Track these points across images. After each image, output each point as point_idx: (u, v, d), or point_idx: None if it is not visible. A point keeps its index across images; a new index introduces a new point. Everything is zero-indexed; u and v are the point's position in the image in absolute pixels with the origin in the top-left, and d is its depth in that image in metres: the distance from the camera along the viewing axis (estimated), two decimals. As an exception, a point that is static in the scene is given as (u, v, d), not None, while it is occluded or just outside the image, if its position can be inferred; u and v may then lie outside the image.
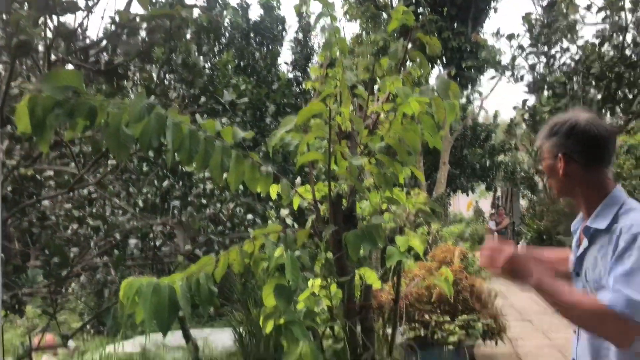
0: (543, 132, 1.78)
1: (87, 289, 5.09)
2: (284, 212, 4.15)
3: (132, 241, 4.96)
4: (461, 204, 26.64)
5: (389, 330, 2.47)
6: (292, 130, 2.96)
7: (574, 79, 11.45)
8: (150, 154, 3.86)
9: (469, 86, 16.65)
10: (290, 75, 11.20)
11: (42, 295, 4.12)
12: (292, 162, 4.97)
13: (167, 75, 4.30)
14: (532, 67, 12.91)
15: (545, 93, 12.87)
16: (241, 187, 2.44)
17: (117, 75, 3.53)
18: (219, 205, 4.26)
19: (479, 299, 4.49)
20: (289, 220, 4.46)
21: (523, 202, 21.23)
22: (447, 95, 2.39)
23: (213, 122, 2.27)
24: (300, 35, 13.41)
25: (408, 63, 2.77)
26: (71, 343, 6.07)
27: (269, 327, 2.22)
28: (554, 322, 7.97)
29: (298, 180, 4.00)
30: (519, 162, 20.43)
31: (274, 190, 2.61)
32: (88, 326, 6.67)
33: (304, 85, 12.69)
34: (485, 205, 26.11)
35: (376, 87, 2.77)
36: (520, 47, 13.05)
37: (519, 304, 9.68)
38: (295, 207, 2.54)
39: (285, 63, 12.21)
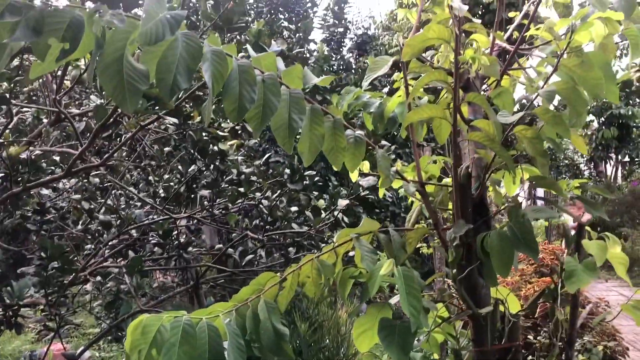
0: None
1: (100, 291, 4.32)
2: (342, 202, 3.23)
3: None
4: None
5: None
6: (368, 89, 2.10)
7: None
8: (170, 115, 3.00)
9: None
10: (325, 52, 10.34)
11: (41, 307, 3.34)
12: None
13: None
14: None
15: None
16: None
17: None
18: (258, 194, 3.40)
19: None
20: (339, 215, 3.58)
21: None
22: (631, 14, 1.52)
23: (273, 54, 1.42)
24: (334, 6, 12.60)
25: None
26: (86, 353, 5.34)
27: (368, 389, 1.37)
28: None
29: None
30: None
31: (357, 169, 1.75)
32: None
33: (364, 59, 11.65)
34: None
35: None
36: None
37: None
38: (396, 188, 1.69)
39: (314, 42, 11.25)
